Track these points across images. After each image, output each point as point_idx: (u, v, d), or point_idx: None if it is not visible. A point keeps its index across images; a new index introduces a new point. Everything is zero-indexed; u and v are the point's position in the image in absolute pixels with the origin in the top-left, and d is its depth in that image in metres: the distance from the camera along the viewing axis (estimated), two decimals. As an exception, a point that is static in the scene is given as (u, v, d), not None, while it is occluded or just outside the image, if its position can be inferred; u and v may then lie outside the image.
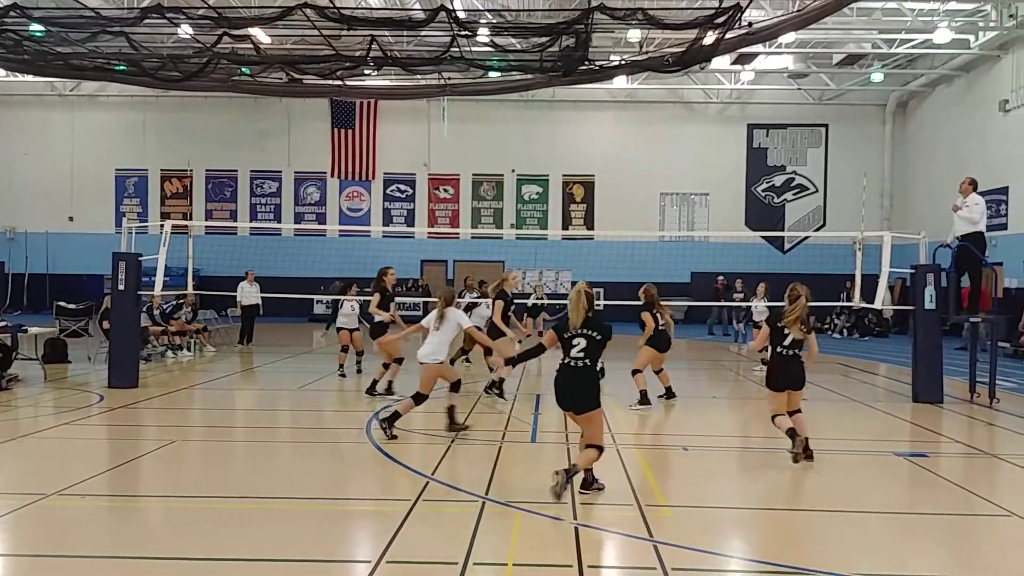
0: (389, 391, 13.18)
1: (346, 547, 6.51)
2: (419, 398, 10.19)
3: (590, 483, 7.62)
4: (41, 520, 6.82)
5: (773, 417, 9.18)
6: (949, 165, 28.11)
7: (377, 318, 13.22)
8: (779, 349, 9.09)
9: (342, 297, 16.93)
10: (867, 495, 7.98)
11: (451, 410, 10.51)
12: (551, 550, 6.15)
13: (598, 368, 7.66)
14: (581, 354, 7.50)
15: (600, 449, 7.57)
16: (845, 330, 29.12)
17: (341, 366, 16.46)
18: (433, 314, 10.42)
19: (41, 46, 18.63)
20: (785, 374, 9.12)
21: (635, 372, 12.73)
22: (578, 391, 7.53)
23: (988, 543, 6.76)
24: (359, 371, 16.51)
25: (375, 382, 13.41)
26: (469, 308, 15.78)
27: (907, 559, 6.28)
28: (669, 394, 13.18)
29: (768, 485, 8.54)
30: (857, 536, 6.70)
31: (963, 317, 14.20)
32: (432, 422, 11.86)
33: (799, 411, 9.20)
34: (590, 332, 7.52)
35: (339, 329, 16.84)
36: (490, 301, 14.59)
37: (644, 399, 12.57)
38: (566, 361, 7.58)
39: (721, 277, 28.90)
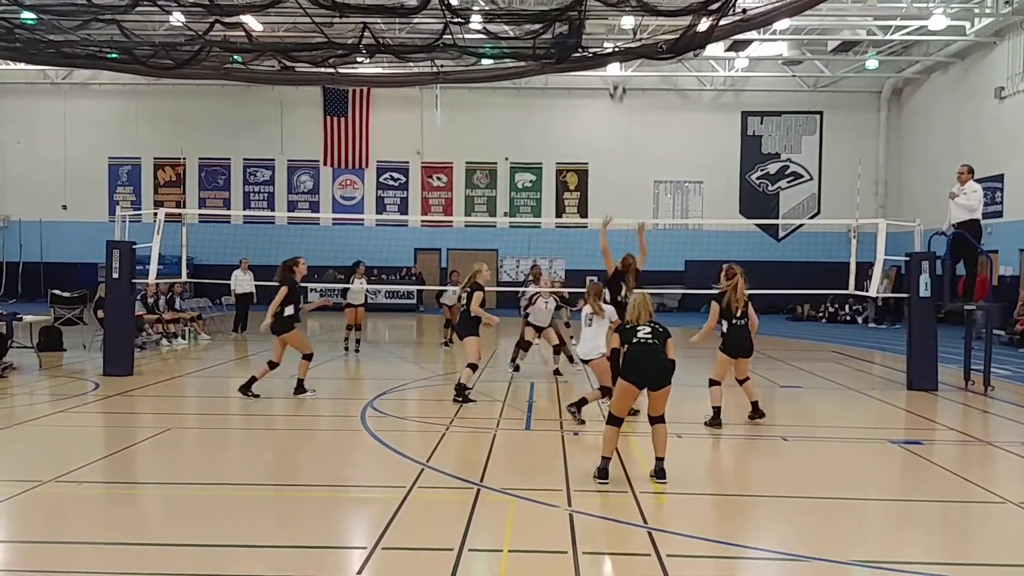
0: (300, 389, 12.38)
1: (342, 534, 6.52)
2: (605, 391, 10.38)
3: (605, 471, 7.58)
4: (38, 507, 6.82)
5: (712, 382, 10.45)
6: (944, 152, 28.14)
7: (287, 312, 11.93)
8: (732, 320, 10.41)
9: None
10: (862, 482, 8.02)
11: (582, 402, 10.52)
12: (546, 536, 6.16)
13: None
14: (649, 336, 7.74)
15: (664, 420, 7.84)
16: (866, 318, 28.84)
17: (346, 339, 18.41)
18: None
19: (33, 34, 18.50)
20: (738, 343, 10.40)
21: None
22: (656, 367, 7.64)
23: (982, 530, 6.78)
24: (356, 350, 18.01)
25: (300, 381, 12.48)
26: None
27: (902, 546, 6.31)
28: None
29: (762, 472, 8.58)
30: (852, 523, 6.73)
31: (958, 304, 14.21)
32: (426, 410, 11.90)
33: (748, 379, 10.59)
34: (654, 325, 7.85)
35: (347, 306, 18.24)
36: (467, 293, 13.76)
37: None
38: (636, 341, 7.75)
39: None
